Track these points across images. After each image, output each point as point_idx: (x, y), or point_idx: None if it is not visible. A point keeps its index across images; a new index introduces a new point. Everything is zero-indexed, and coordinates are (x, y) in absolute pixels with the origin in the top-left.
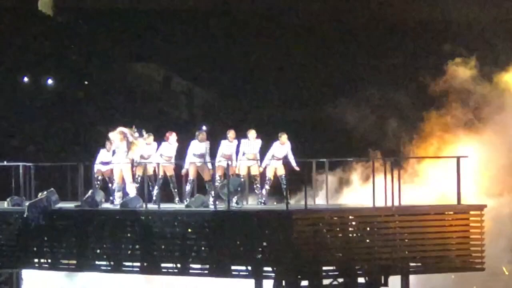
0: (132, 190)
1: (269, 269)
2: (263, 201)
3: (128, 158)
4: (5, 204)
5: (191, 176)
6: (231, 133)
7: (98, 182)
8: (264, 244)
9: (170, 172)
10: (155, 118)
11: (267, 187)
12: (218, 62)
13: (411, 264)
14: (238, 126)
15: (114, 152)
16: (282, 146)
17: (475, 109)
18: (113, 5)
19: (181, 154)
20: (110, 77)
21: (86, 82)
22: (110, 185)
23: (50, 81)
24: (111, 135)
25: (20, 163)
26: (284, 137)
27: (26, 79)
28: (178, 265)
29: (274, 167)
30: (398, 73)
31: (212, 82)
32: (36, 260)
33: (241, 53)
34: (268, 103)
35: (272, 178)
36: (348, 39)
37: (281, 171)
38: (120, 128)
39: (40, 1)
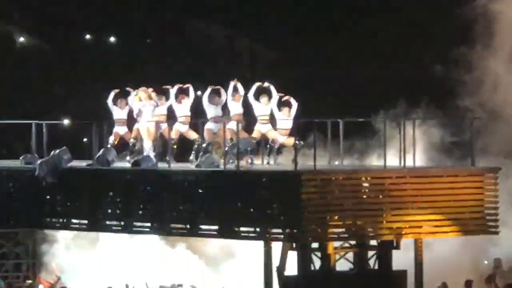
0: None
1: (279, 231)
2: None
3: (153, 117)
4: (19, 163)
5: (206, 138)
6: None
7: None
8: (274, 205)
9: (193, 135)
10: (217, 77)
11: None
12: (282, 20)
13: (424, 227)
14: (301, 84)
15: (131, 111)
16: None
17: None
18: None
19: None
20: (173, 36)
21: (148, 40)
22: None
23: (112, 39)
24: (139, 93)
25: (33, 121)
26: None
27: (88, 36)
28: (188, 226)
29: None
30: None
31: (276, 41)
32: (48, 220)
33: (306, 11)
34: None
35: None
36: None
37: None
38: (143, 88)
39: None
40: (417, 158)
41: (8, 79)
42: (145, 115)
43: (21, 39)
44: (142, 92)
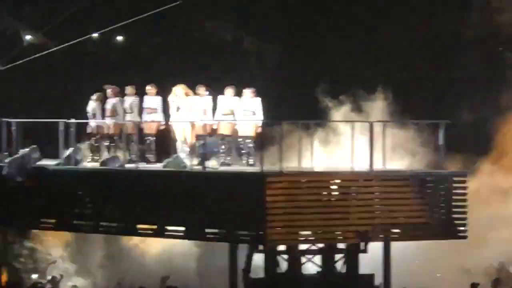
0: (186, 149)
1: (245, 232)
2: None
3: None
4: None
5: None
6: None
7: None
8: (239, 207)
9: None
10: (224, 76)
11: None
12: (291, 20)
13: (392, 230)
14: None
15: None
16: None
17: None
18: None
19: None
20: (181, 35)
21: (157, 39)
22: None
23: (120, 38)
24: (176, 89)
25: (2, 119)
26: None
27: (95, 35)
28: (154, 227)
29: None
30: None
31: (283, 41)
32: (15, 219)
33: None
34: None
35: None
36: None
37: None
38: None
39: None
40: (389, 161)
41: (15, 76)
42: (182, 114)
43: (28, 36)
44: (180, 89)
